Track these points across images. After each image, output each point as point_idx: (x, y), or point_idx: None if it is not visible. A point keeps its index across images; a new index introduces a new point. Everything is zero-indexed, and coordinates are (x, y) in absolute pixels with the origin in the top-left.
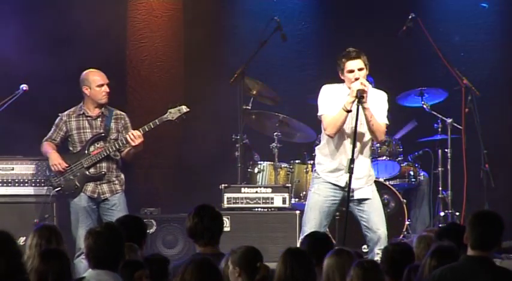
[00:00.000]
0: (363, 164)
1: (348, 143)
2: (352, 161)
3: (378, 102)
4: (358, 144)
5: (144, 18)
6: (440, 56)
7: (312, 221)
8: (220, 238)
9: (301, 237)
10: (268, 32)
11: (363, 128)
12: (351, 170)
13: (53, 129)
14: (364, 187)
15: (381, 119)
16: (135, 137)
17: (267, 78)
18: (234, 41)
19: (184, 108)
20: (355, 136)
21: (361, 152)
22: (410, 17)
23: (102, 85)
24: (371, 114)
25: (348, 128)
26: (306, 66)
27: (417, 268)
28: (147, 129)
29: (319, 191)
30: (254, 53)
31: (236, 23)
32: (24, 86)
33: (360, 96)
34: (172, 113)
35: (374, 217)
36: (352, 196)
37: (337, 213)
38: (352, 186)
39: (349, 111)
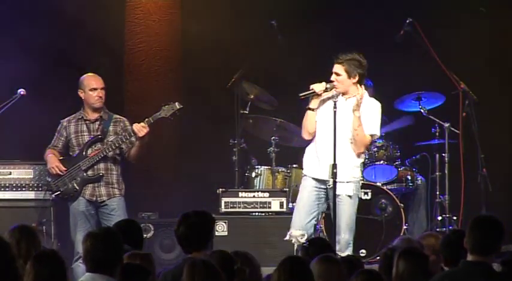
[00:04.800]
0: (342, 159)
1: (329, 139)
2: (334, 166)
3: (369, 111)
4: (338, 140)
5: (141, 23)
6: (438, 61)
7: (296, 217)
8: (207, 243)
9: (288, 233)
10: (265, 35)
11: (343, 126)
12: (334, 175)
13: (55, 136)
14: (344, 182)
15: (367, 130)
16: (140, 128)
17: (264, 82)
18: (231, 45)
19: (177, 105)
20: (335, 142)
21: (342, 149)
22: (407, 21)
23: (95, 89)
24: (358, 123)
25: (326, 126)
26: (304, 71)
27: None
28: (132, 134)
29: (302, 187)
30: (252, 57)
31: (234, 27)
32: (21, 91)
33: (307, 95)
34: (166, 111)
35: (341, 222)
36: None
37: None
38: (328, 177)
39: (310, 109)
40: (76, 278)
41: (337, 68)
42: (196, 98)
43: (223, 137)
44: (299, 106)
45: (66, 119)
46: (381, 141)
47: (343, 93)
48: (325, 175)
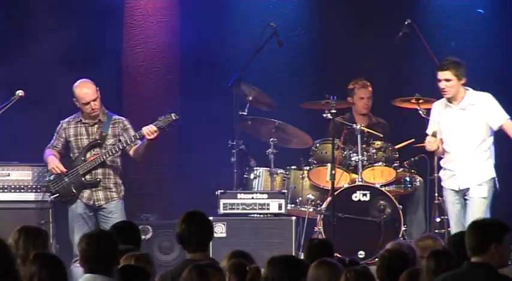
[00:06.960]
0: (472, 165)
1: (456, 149)
2: (333, 167)
3: (487, 105)
4: (464, 148)
5: (140, 24)
6: (436, 62)
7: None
8: (209, 244)
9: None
10: (264, 37)
11: (465, 133)
12: (332, 177)
13: (54, 136)
14: (478, 185)
15: (499, 122)
16: (151, 131)
17: (263, 84)
18: (230, 46)
19: (173, 116)
20: (333, 143)
21: (471, 155)
22: (406, 22)
23: (87, 103)
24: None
25: (453, 136)
26: (302, 72)
27: (416, 272)
28: (138, 137)
29: (446, 202)
30: (250, 59)
31: (232, 29)
32: (20, 92)
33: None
34: (162, 121)
35: (467, 224)
36: (467, 194)
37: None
38: (465, 186)
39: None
40: (74, 279)
41: (445, 74)
42: (194, 99)
43: (222, 138)
44: (298, 108)
45: (66, 120)
46: (379, 143)
47: (452, 99)
48: (462, 185)
